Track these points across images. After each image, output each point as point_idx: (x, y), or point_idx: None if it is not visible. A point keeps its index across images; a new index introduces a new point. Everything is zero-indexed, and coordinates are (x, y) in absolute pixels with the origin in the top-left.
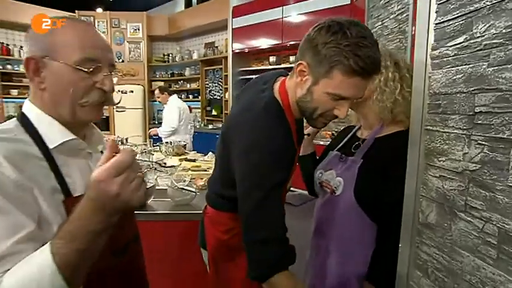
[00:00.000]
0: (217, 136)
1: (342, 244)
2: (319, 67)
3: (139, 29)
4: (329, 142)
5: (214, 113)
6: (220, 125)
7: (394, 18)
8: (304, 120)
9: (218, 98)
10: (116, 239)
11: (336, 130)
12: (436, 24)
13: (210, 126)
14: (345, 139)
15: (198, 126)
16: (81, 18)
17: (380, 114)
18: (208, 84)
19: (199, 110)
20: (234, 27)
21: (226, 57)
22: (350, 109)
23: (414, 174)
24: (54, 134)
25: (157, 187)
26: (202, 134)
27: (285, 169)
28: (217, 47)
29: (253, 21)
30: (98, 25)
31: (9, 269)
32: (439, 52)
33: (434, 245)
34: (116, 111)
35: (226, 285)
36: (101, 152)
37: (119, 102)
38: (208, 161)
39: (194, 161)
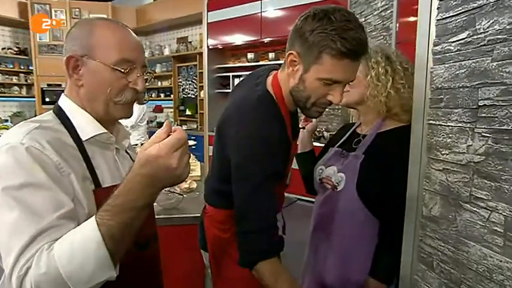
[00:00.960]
0: (193, 137)
1: (343, 242)
2: (308, 54)
3: None
4: (322, 143)
5: (188, 112)
6: (195, 126)
7: (378, 15)
8: (302, 116)
9: (192, 96)
10: (139, 232)
11: (319, 130)
12: (438, 20)
13: (184, 127)
14: (346, 136)
15: None
16: (34, 6)
17: (375, 109)
18: (181, 82)
19: (172, 110)
20: (209, 21)
21: (200, 54)
22: (351, 108)
23: (416, 168)
24: (87, 127)
25: None
26: None
27: (279, 161)
28: (190, 42)
29: (230, 16)
30: (55, 15)
31: (54, 240)
32: (441, 48)
33: (438, 238)
34: None
35: (228, 285)
36: (126, 151)
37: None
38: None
39: None
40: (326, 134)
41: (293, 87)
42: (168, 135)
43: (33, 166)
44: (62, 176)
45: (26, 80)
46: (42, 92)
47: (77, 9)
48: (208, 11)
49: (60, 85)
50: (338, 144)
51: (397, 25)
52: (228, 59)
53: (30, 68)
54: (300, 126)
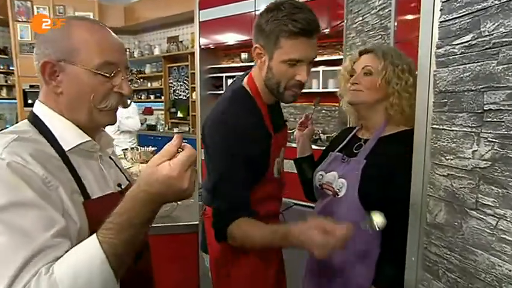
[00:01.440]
0: (185, 141)
1: (345, 251)
2: (269, 43)
3: None
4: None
5: (179, 115)
6: (187, 129)
7: (375, 14)
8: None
9: (184, 98)
10: None
11: (315, 132)
12: (441, 22)
13: (175, 130)
14: (346, 140)
15: (161, 130)
16: (14, 2)
17: (394, 117)
18: (172, 83)
19: (163, 112)
20: (201, 20)
21: (192, 53)
22: (355, 108)
23: (420, 174)
24: (69, 136)
25: None
26: (167, 139)
27: (251, 150)
28: (181, 41)
29: (223, 14)
30: (37, 12)
31: (52, 261)
32: (444, 50)
33: (444, 245)
34: None
35: (229, 286)
36: (110, 157)
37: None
38: None
39: None
40: (322, 136)
41: (265, 78)
42: (177, 150)
43: (17, 183)
44: (50, 190)
45: (6, 81)
46: (24, 93)
47: (61, 7)
48: (200, 9)
49: None
50: (338, 149)
51: (395, 24)
52: (220, 59)
53: (10, 68)
54: (296, 127)
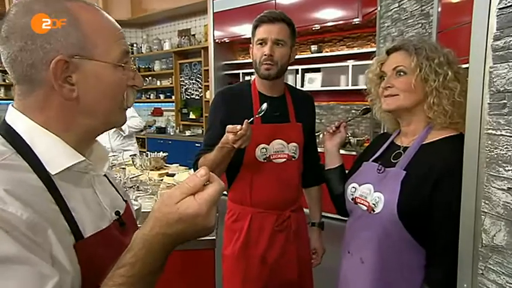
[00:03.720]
0: (197, 145)
1: (382, 275)
2: (252, 36)
3: None
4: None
5: (192, 116)
6: (200, 131)
7: None
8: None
9: (197, 97)
10: None
11: (348, 135)
12: (500, 9)
13: (187, 133)
14: (382, 148)
15: (172, 133)
16: None
17: (435, 119)
18: (183, 81)
19: (173, 113)
20: (215, 10)
21: (206, 48)
22: (389, 117)
23: (473, 187)
24: (57, 155)
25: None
26: (178, 143)
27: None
28: (194, 35)
29: (240, 4)
30: None
31: None
32: (504, 43)
33: (506, 273)
34: None
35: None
36: (105, 175)
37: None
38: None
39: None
40: (352, 140)
41: (252, 63)
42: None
43: None
44: (37, 236)
45: (4, 80)
46: None
47: None
48: None
49: None
50: (373, 158)
51: (439, 10)
52: (237, 54)
53: None
54: (325, 132)
